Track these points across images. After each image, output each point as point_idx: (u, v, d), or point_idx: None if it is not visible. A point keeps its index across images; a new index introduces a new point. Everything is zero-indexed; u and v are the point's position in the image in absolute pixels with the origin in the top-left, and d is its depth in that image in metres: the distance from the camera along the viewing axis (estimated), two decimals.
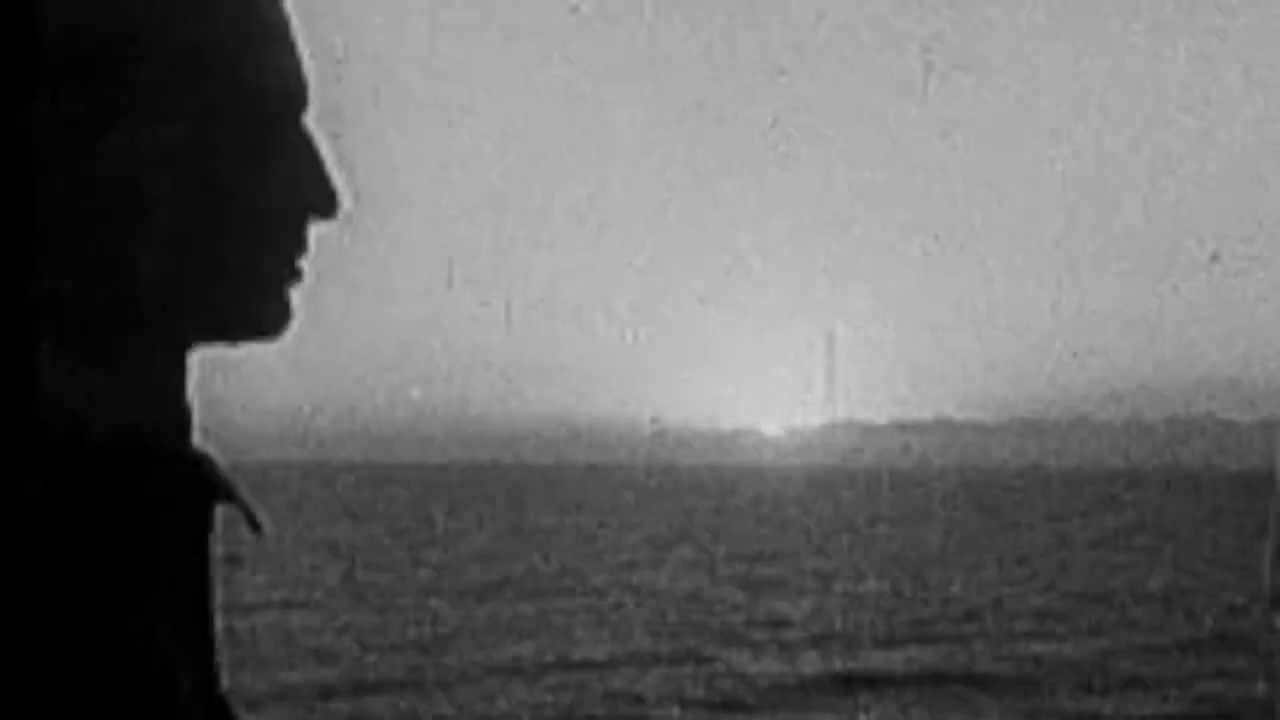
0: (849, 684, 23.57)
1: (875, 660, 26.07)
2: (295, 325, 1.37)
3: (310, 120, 1.40)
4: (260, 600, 33.98)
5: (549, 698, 22.03)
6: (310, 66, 1.41)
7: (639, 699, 22.24)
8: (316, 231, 1.40)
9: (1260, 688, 23.45)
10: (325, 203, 1.38)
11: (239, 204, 1.32)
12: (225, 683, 1.39)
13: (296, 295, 1.38)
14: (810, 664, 25.62)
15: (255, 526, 1.39)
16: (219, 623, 1.39)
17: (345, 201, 1.39)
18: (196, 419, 1.37)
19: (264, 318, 1.36)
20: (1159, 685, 24.31)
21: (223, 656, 1.38)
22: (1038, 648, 28.20)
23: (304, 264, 1.38)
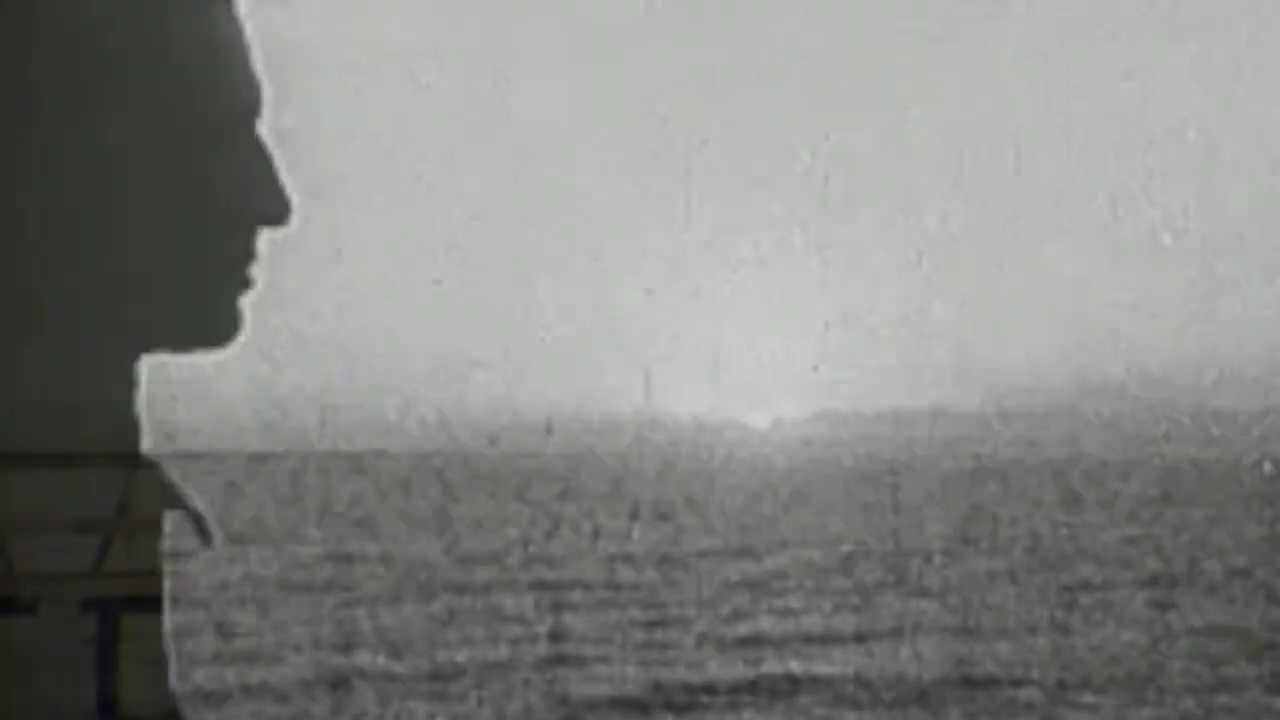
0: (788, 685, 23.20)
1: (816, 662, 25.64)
2: (244, 334, 1.38)
3: (262, 126, 1.41)
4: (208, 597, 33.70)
5: (476, 703, 22.04)
6: (262, 71, 1.42)
7: (565, 701, 22.23)
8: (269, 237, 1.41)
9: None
10: (276, 210, 1.39)
11: (190, 209, 1.33)
12: (175, 680, 1.40)
13: (246, 303, 1.39)
14: (738, 666, 25.14)
15: (204, 536, 1.41)
16: (169, 619, 1.41)
17: (294, 210, 1.40)
18: (146, 424, 1.39)
19: (213, 327, 1.37)
20: (1141, 685, 24.12)
21: (174, 652, 1.40)
22: (1006, 648, 27.90)
23: (254, 272, 1.39)
